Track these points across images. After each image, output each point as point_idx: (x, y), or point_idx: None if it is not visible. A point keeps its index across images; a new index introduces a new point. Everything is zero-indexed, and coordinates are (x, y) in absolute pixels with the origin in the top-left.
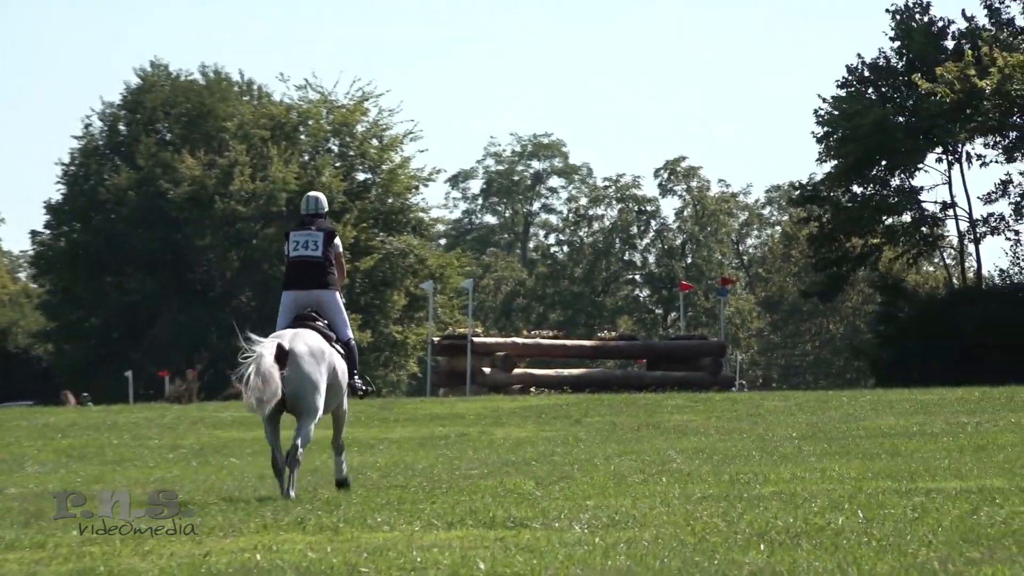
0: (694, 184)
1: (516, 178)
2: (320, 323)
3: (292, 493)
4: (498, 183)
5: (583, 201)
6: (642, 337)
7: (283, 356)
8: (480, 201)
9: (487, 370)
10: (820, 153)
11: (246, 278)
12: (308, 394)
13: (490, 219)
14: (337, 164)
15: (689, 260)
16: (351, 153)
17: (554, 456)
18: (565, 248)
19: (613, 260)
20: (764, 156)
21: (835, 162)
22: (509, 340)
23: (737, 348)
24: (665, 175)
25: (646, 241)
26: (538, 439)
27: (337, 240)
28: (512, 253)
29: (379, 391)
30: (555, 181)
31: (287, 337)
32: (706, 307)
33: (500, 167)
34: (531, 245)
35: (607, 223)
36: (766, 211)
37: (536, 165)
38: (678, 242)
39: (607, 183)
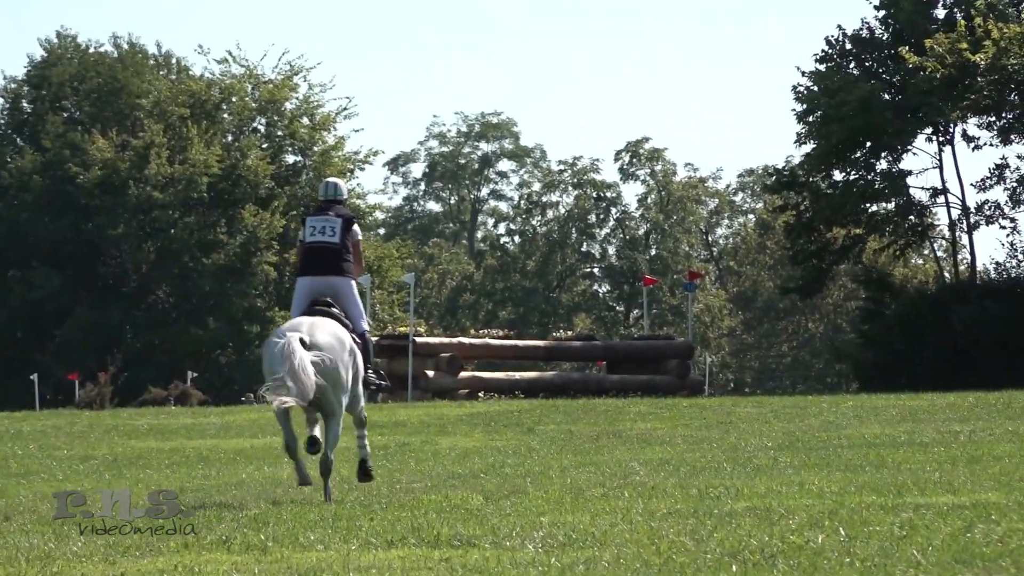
0: (658, 168)
1: (462, 161)
2: (336, 311)
3: (331, 500)
4: (442, 167)
5: (536, 187)
6: (601, 337)
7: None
8: (422, 187)
9: (431, 373)
10: (798, 134)
11: (163, 271)
12: (334, 389)
13: (433, 206)
14: (264, 145)
15: (653, 252)
16: (279, 133)
17: (505, 468)
18: (516, 239)
19: (569, 252)
20: (736, 137)
21: (815, 144)
22: (455, 340)
23: (706, 349)
24: (626, 158)
25: (606, 231)
26: (487, 449)
27: (356, 227)
28: (458, 244)
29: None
30: (505, 164)
31: (305, 327)
32: (672, 304)
33: (444, 149)
34: (479, 235)
35: (562, 211)
36: (738, 198)
37: (484, 147)
38: (641, 232)
39: (562, 167)
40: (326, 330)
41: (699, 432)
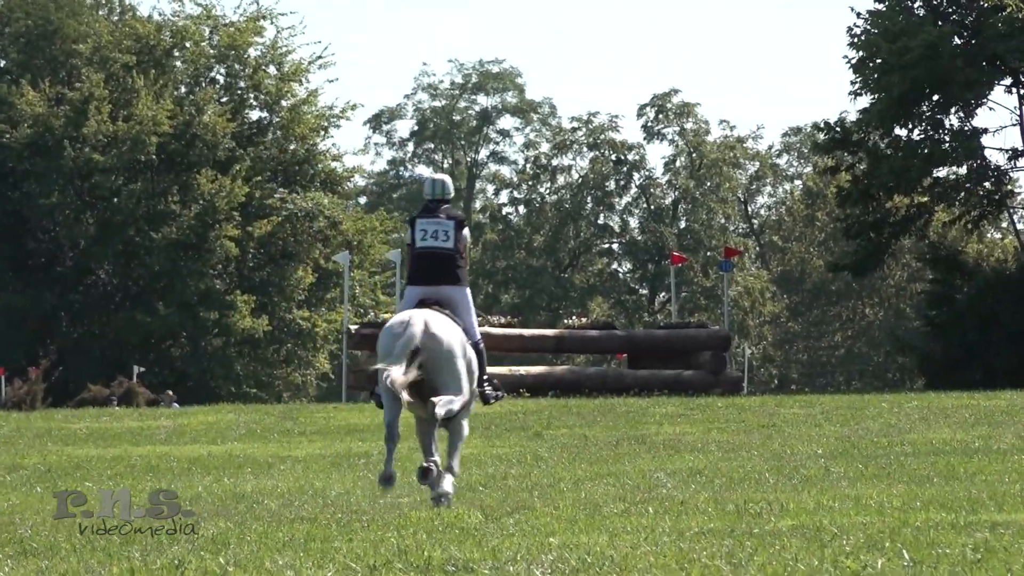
0: (689, 126)
1: (457, 118)
2: (447, 310)
3: (450, 505)
4: (434, 124)
5: (544, 148)
6: (621, 325)
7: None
8: (410, 148)
9: None
10: (854, 85)
11: (105, 248)
12: (448, 367)
13: (423, 171)
14: (223, 99)
15: (683, 224)
16: (241, 85)
17: (507, 480)
18: (521, 209)
19: (584, 225)
20: (780, 90)
21: (873, 97)
22: None
23: (745, 339)
24: (651, 114)
25: (627, 200)
26: (487, 457)
27: (466, 230)
28: None
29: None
30: (508, 122)
31: (420, 314)
32: (705, 286)
33: (436, 104)
34: (477, 205)
35: (576, 176)
36: (783, 161)
37: (483, 101)
38: (668, 201)
39: (575, 124)
40: (440, 320)
41: (737, 437)
